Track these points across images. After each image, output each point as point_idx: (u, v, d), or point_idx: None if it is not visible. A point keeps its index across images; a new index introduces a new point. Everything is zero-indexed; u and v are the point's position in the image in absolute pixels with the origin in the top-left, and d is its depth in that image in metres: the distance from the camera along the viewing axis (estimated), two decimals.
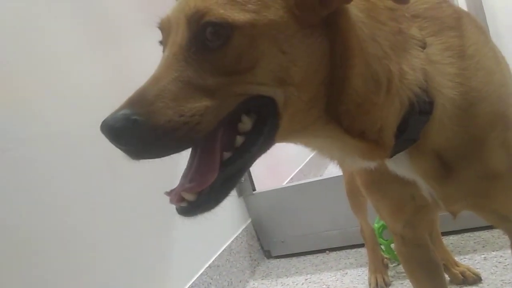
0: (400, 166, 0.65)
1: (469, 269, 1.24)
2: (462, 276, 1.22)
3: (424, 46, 0.59)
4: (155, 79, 0.52)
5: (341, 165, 0.85)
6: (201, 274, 1.49)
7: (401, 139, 0.59)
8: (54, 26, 1.17)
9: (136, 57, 1.48)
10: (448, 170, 0.63)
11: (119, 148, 0.51)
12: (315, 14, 0.52)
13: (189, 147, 0.53)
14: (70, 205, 1.08)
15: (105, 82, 1.31)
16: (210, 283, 1.50)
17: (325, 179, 1.76)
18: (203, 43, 0.50)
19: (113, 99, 1.19)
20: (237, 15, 0.49)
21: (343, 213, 1.53)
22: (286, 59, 0.51)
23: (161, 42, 0.61)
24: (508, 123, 0.63)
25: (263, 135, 0.54)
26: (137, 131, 0.48)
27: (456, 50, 0.61)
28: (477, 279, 1.21)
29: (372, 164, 0.63)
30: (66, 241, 1.05)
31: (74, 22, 1.24)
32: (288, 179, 2.32)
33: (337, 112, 0.55)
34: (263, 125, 0.54)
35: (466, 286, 1.21)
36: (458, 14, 0.65)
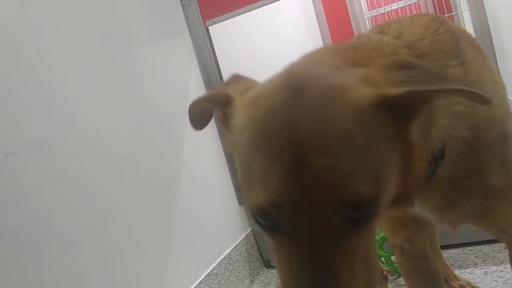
0: None
1: (469, 283, 1.23)
2: None
3: None
4: None
5: None
6: (200, 282, 1.48)
7: None
8: (61, 33, 1.18)
9: (145, 64, 1.49)
10: (452, 200, 0.63)
11: None
12: None
13: None
14: (69, 210, 1.08)
15: (113, 89, 1.32)
16: None
17: None
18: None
19: (121, 106, 1.21)
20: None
21: None
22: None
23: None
24: (508, 143, 0.64)
25: None
26: None
27: (461, 82, 0.61)
28: None
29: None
30: (61, 246, 1.05)
31: (81, 28, 1.25)
32: None
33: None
34: None
35: None
36: (456, 39, 0.65)
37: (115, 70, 1.35)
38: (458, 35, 0.67)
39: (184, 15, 1.78)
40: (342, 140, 0.43)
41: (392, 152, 0.47)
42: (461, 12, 2.52)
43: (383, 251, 1.40)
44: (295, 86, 0.46)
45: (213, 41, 1.81)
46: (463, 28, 0.75)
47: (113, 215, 1.21)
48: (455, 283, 1.24)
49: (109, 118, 1.28)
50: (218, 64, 1.81)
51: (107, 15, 1.38)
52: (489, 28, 2.34)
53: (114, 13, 1.41)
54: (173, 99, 1.60)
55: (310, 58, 0.58)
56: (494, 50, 2.09)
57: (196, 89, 1.74)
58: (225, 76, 1.81)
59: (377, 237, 1.46)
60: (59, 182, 1.07)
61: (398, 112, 0.46)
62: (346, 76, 0.49)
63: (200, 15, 1.78)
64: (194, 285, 1.46)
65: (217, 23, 1.83)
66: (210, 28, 1.82)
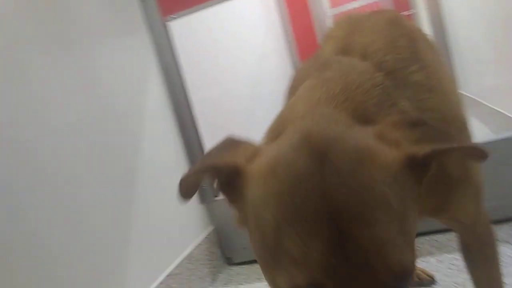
0: None
1: (423, 271, 1.26)
2: (418, 278, 1.24)
3: None
4: None
5: None
6: (160, 282, 1.45)
7: None
8: (13, 29, 1.13)
9: (102, 61, 1.45)
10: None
11: None
12: None
13: None
14: (30, 211, 1.04)
15: (69, 86, 1.27)
16: None
17: None
18: None
19: (77, 103, 1.17)
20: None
21: None
22: None
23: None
24: (467, 135, 0.67)
25: None
26: None
27: (424, 89, 0.63)
28: (432, 281, 1.23)
29: None
30: (21, 247, 1.00)
31: (35, 23, 1.20)
32: None
33: None
34: None
35: None
36: (413, 42, 0.67)
37: (71, 67, 1.31)
38: (415, 36, 0.69)
39: (143, 10, 1.74)
40: (381, 206, 0.40)
41: (415, 211, 0.46)
42: (419, 11, 2.59)
43: None
44: (317, 150, 0.43)
45: (173, 38, 1.78)
46: (418, 26, 0.77)
47: (68, 213, 1.17)
48: None
49: (65, 115, 1.24)
50: (177, 62, 1.78)
51: (62, 9, 1.33)
52: (445, 27, 2.42)
53: (69, 6, 1.36)
54: (131, 96, 1.56)
55: (313, 113, 0.53)
56: (450, 48, 2.16)
57: (155, 87, 1.71)
58: (186, 74, 1.80)
59: None
60: (13, 184, 1.02)
61: (420, 170, 0.46)
62: (364, 135, 0.47)
63: (159, 10, 1.75)
64: (154, 285, 1.43)
65: (177, 18, 1.81)
66: (170, 24, 1.79)
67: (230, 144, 0.55)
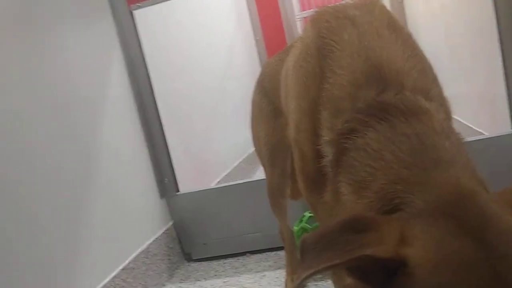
0: None
1: None
2: None
3: None
4: None
5: None
6: (114, 277, 1.40)
7: None
8: None
9: (63, 46, 1.39)
10: None
11: None
12: None
13: None
14: None
15: (29, 70, 1.21)
16: (123, 286, 1.42)
17: (249, 182, 1.76)
18: None
19: (36, 88, 1.11)
20: None
21: (266, 216, 1.53)
22: None
23: None
24: None
25: None
26: None
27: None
28: None
29: None
30: None
31: None
32: (215, 182, 2.29)
33: None
34: None
35: None
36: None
37: (33, 47, 1.25)
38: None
39: None
40: None
41: None
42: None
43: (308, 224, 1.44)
44: (476, 234, 0.44)
45: (138, 27, 1.73)
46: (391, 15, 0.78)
47: (23, 201, 1.11)
48: None
49: (23, 99, 1.18)
50: (142, 51, 1.73)
51: None
52: (405, 17, 2.48)
53: None
54: (92, 82, 1.50)
55: (438, 183, 0.52)
56: None
57: (118, 74, 1.65)
58: (151, 63, 1.76)
59: (296, 228, 1.49)
60: None
61: None
62: (501, 208, 0.48)
63: None
64: (108, 279, 1.38)
65: (143, 7, 1.76)
66: (135, 12, 1.74)
67: (360, 225, 0.47)
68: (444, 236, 0.45)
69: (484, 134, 1.81)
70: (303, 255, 0.48)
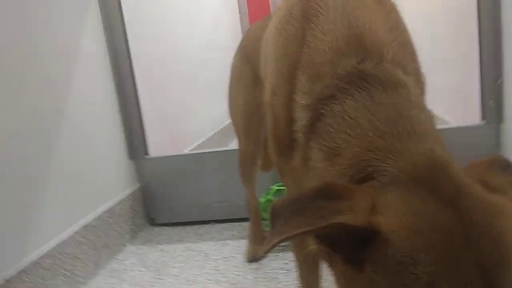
0: None
1: None
2: None
3: None
4: None
5: None
6: (75, 233, 1.38)
7: None
8: None
9: (40, 16, 1.32)
10: None
11: None
12: None
13: None
14: None
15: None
16: (83, 243, 1.40)
17: (219, 151, 1.75)
18: None
19: (5, 36, 1.00)
20: None
21: (234, 186, 1.53)
22: None
23: None
24: None
25: None
26: None
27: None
28: None
29: None
30: None
31: None
32: (187, 150, 2.27)
33: None
34: None
35: None
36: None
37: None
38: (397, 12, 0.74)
39: None
40: None
41: None
42: None
43: (266, 214, 1.43)
44: (448, 202, 0.45)
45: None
46: None
47: None
48: None
49: None
50: (121, 9, 1.67)
51: None
52: None
53: None
54: (66, 34, 1.45)
55: (409, 152, 0.53)
56: None
57: (94, 30, 1.60)
58: (129, 24, 1.70)
59: (263, 200, 1.49)
60: None
61: None
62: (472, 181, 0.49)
63: None
64: (68, 234, 1.36)
65: None
66: None
67: (332, 192, 0.46)
68: (417, 202, 0.45)
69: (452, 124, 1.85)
70: (273, 220, 0.47)
